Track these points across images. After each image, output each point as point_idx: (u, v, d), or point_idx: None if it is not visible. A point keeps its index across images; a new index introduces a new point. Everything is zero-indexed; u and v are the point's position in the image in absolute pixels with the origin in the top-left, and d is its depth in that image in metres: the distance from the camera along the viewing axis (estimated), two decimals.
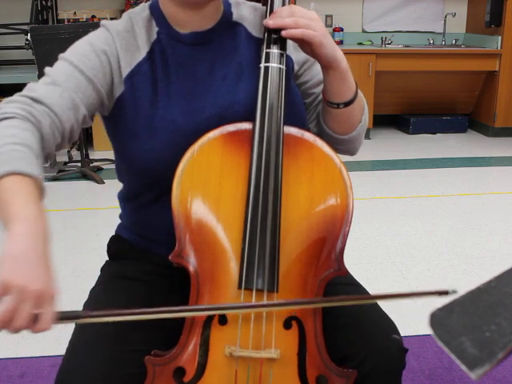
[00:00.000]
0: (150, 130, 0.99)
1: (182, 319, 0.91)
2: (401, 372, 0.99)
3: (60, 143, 0.93)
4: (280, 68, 0.97)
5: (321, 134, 1.08)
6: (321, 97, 1.09)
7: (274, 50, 0.97)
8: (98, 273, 1.13)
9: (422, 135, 5.07)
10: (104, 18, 4.54)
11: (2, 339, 1.99)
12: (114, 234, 1.19)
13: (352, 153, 1.14)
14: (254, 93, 0.97)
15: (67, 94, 0.92)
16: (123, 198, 1.14)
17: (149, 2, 1.06)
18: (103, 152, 4.21)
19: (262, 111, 0.95)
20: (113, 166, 1.18)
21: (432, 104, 5.21)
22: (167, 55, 1.02)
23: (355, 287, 1.09)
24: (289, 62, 1.05)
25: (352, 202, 0.95)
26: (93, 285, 1.10)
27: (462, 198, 3.45)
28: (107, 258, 1.18)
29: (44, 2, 4.48)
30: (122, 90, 1.00)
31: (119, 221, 1.19)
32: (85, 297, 1.06)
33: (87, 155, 4.02)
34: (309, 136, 0.99)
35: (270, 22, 0.96)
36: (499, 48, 4.78)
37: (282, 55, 0.98)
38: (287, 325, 0.90)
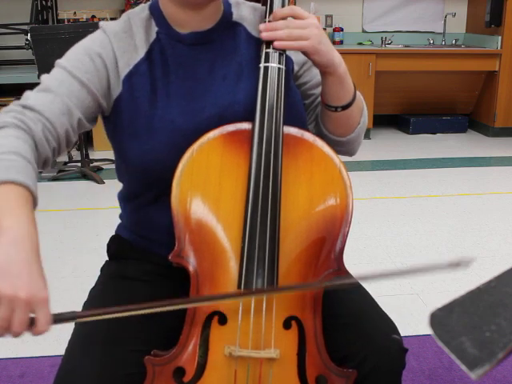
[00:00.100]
0: (150, 130, 0.99)
1: (182, 319, 0.91)
2: (401, 372, 0.99)
3: (56, 148, 0.94)
4: (279, 68, 0.97)
5: (319, 136, 1.08)
6: (320, 98, 1.09)
7: (274, 50, 0.97)
8: (98, 273, 1.13)
9: (421, 135, 5.07)
10: (104, 18, 4.55)
11: (1, 339, 1.99)
12: (114, 233, 1.19)
13: (351, 153, 1.14)
14: (254, 93, 0.97)
15: (59, 100, 0.94)
16: (123, 198, 1.14)
17: (148, 3, 1.06)
18: (103, 152, 4.21)
19: (261, 111, 0.95)
20: (113, 166, 1.18)
21: (432, 104, 5.21)
22: (167, 55, 1.02)
23: (355, 287, 1.09)
24: (288, 62, 1.05)
25: (352, 202, 0.95)
26: (93, 285, 1.10)
27: (462, 197, 3.45)
28: (107, 258, 1.18)
29: (44, 2, 4.49)
30: (120, 91, 1.00)
31: (119, 221, 1.19)
32: (85, 297, 1.06)
33: (87, 155, 4.02)
34: (308, 136, 0.99)
35: (264, 34, 0.96)
36: (499, 48, 4.78)
37: (281, 55, 0.98)
38: (287, 325, 0.90)
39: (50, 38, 3.43)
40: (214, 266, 0.90)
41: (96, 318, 0.82)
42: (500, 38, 4.76)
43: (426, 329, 1.96)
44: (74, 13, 4.62)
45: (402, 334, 1.00)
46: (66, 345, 0.96)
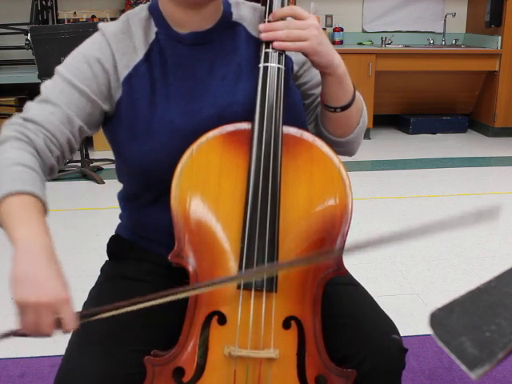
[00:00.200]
0: (149, 131, 0.99)
1: (182, 319, 0.91)
2: (400, 372, 0.99)
3: (60, 156, 0.97)
4: (279, 68, 0.97)
5: (319, 136, 1.08)
6: (319, 99, 1.09)
7: (273, 50, 0.97)
8: (98, 273, 1.13)
9: (421, 135, 5.07)
10: (104, 18, 4.55)
11: None
12: (113, 233, 1.19)
13: (350, 154, 1.14)
14: (253, 93, 0.97)
15: (59, 110, 0.95)
16: (123, 198, 1.14)
17: (148, 3, 1.06)
18: (103, 152, 4.21)
19: (260, 111, 0.95)
20: (113, 166, 1.18)
21: (432, 104, 5.21)
22: (166, 56, 1.02)
23: (355, 287, 1.09)
24: (288, 62, 1.05)
25: (351, 201, 0.95)
26: (93, 285, 1.10)
27: (462, 197, 3.45)
28: (107, 258, 1.18)
29: (44, 2, 4.49)
30: (121, 94, 1.00)
31: (119, 221, 1.19)
32: (85, 297, 1.06)
33: (87, 155, 4.02)
34: (308, 136, 0.99)
35: (263, 34, 0.96)
36: (499, 48, 4.78)
37: (281, 55, 0.98)
38: (286, 324, 0.90)
39: (50, 38, 3.43)
40: (213, 265, 0.90)
41: (120, 311, 0.82)
42: (500, 38, 4.76)
43: (426, 329, 1.96)
44: (74, 13, 4.62)
45: (402, 334, 1.00)
46: (66, 345, 0.96)
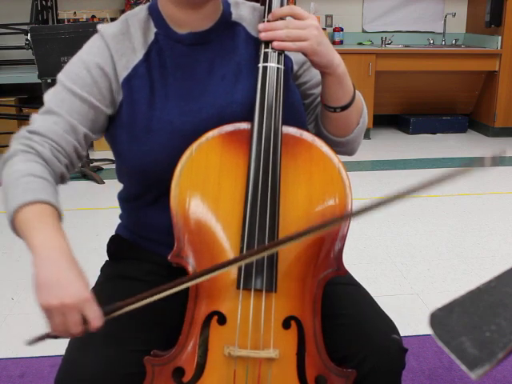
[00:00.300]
0: (148, 131, 0.99)
1: (182, 319, 0.91)
2: (400, 372, 0.99)
3: (68, 163, 0.99)
4: (278, 68, 0.97)
5: (319, 136, 1.08)
6: (319, 98, 1.09)
7: (273, 50, 0.97)
8: (98, 273, 1.13)
9: (421, 135, 5.07)
10: (104, 18, 4.55)
11: (1, 339, 1.99)
12: (114, 233, 1.19)
13: (350, 153, 1.14)
14: (253, 93, 0.97)
15: (62, 120, 0.97)
16: (123, 198, 1.14)
17: (147, 4, 1.06)
18: (103, 152, 4.21)
19: (260, 111, 0.95)
20: (113, 166, 1.19)
21: (432, 104, 5.21)
22: (165, 56, 1.02)
23: (355, 287, 1.09)
24: (287, 62, 1.05)
25: (351, 201, 0.95)
26: (93, 285, 1.10)
27: (462, 197, 3.45)
28: (107, 258, 1.18)
29: (44, 2, 4.48)
30: (122, 95, 1.00)
31: (119, 221, 1.19)
32: None
33: (87, 155, 4.01)
34: (307, 136, 0.99)
35: (263, 34, 0.96)
36: (499, 48, 4.78)
37: (280, 55, 0.98)
38: (286, 324, 0.90)
39: (50, 38, 3.43)
40: None
41: (142, 304, 0.83)
42: (500, 38, 4.76)
43: (426, 329, 1.96)
44: (74, 13, 4.62)
45: (402, 334, 1.00)
46: (66, 345, 0.96)
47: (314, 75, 1.10)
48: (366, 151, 4.45)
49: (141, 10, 1.05)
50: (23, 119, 4.46)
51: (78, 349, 0.93)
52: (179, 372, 0.89)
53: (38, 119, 0.98)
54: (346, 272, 1.00)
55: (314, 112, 1.13)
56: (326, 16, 5.09)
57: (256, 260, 0.88)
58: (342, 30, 5.04)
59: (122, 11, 4.69)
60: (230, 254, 0.90)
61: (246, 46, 1.05)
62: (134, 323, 0.96)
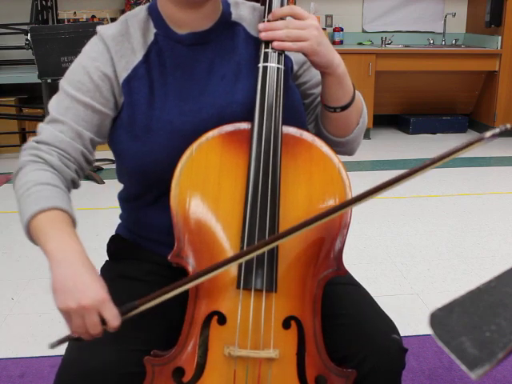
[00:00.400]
0: (148, 131, 0.99)
1: (182, 319, 0.91)
2: (400, 372, 0.99)
3: (78, 168, 1.01)
4: (278, 68, 0.97)
5: (319, 136, 1.08)
6: (319, 98, 1.09)
7: (273, 50, 0.97)
8: (98, 273, 1.13)
9: (421, 135, 5.07)
10: (104, 18, 4.55)
11: (1, 339, 1.99)
12: (114, 233, 1.19)
13: (350, 153, 1.14)
14: (252, 93, 0.97)
15: (67, 127, 0.99)
16: (123, 198, 1.14)
17: (147, 4, 1.06)
18: (103, 152, 4.20)
19: (260, 111, 0.95)
20: (113, 166, 1.19)
21: (432, 104, 5.21)
22: (165, 57, 1.02)
23: (355, 287, 1.09)
24: (287, 62, 1.05)
25: None
26: None
27: (462, 197, 3.45)
28: (107, 258, 1.18)
29: (44, 2, 4.48)
30: (123, 97, 1.00)
31: (119, 221, 1.19)
32: None
33: None
34: (307, 136, 0.99)
35: (263, 33, 0.96)
36: (499, 48, 4.78)
37: (280, 55, 0.98)
38: (286, 324, 0.90)
39: (50, 38, 3.43)
40: None
41: (156, 302, 0.85)
42: (500, 38, 4.76)
43: (426, 329, 1.96)
44: (74, 13, 4.62)
45: (402, 334, 1.00)
46: (66, 345, 0.96)
47: (314, 75, 1.10)
48: (366, 151, 4.45)
49: (140, 11, 1.05)
50: (23, 119, 4.46)
51: (79, 348, 0.93)
52: (179, 372, 0.89)
53: (44, 129, 1.00)
54: (346, 272, 1.00)
55: (314, 112, 1.13)
56: (326, 16, 5.09)
57: (256, 260, 0.88)
58: (342, 30, 5.04)
59: (122, 11, 4.69)
60: (230, 253, 0.90)
61: (246, 45, 1.05)
62: (133, 323, 0.95)
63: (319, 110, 1.10)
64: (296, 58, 1.07)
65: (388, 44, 5.00)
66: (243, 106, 1.00)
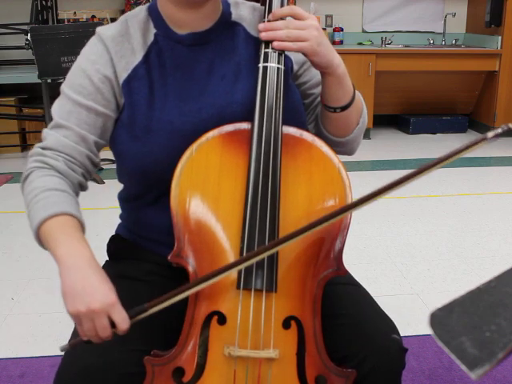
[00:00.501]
0: (148, 132, 0.99)
1: (182, 319, 0.91)
2: (400, 372, 0.99)
3: (84, 172, 1.02)
4: (278, 68, 0.97)
5: (319, 136, 1.08)
6: (319, 98, 1.09)
7: (273, 50, 0.97)
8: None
9: (421, 135, 5.07)
10: (104, 18, 4.55)
11: (1, 339, 1.99)
12: (113, 233, 1.19)
13: (350, 153, 1.14)
14: (252, 92, 0.97)
15: (71, 132, 0.99)
16: (123, 198, 1.14)
17: (147, 4, 1.06)
18: (103, 152, 4.18)
19: (260, 111, 0.95)
20: (113, 166, 1.19)
21: (432, 104, 5.21)
22: (165, 57, 1.02)
23: (355, 287, 1.09)
24: (287, 62, 1.05)
25: (351, 202, 0.95)
26: None
27: (462, 197, 3.45)
28: (107, 258, 1.18)
29: (44, 2, 4.48)
30: (124, 97, 1.00)
31: (119, 221, 1.19)
32: None
33: None
34: (307, 136, 0.99)
35: (263, 33, 0.96)
36: (499, 48, 4.78)
37: (280, 55, 0.98)
38: (286, 324, 0.90)
39: (50, 38, 3.43)
40: (213, 266, 0.90)
41: (165, 305, 0.85)
42: (500, 38, 4.76)
43: (426, 329, 1.96)
44: (74, 13, 4.62)
45: (402, 334, 1.00)
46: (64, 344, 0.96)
47: (314, 75, 1.10)
48: (366, 151, 4.45)
49: (140, 11, 1.05)
50: (23, 119, 4.46)
51: (78, 348, 0.93)
52: (179, 372, 0.89)
53: (48, 134, 1.00)
54: (346, 272, 1.00)
55: (314, 112, 1.13)
56: (326, 16, 5.09)
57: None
58: (342, 30, 5.04)
59: (122, 11, 4.69)
60: (230, 254, 0.90)
61: (246, 45, 1.05)
62: (134, 323, 0.95)
63: (319, 110, 1.10)
64: (296, 58, 1.07)
65: (388, 44, 5.01)
66: (243, 106, 1.00)
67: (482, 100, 5.13)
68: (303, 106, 1.11)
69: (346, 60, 1.01)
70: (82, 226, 0.94)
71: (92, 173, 1.05)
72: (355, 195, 0.95)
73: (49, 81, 3.59)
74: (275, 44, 0.95)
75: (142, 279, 1.07)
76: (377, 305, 1.04)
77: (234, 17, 1.07)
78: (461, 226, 3.02)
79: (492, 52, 4.81)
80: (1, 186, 3.65)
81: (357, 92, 1.06)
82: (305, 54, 0.97)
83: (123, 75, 1.00)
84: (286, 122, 0.96)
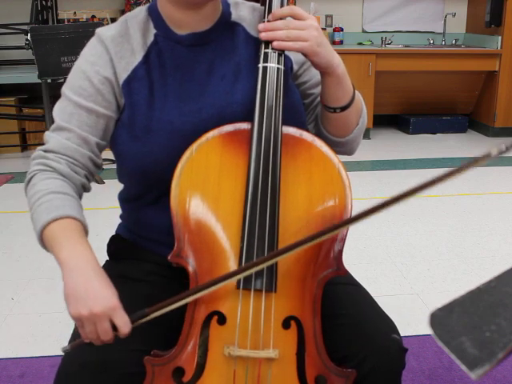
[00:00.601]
0: (148, 132, 0.99)
1: (182, 319, 0.91)
2: (400, 372, 0.99)
3: (87, 173, 1.03)
4: (278, 68, 0.97)
5: (319, 136, 1.08)
6: (319, 98, 1.09)
7: (273, 50, 0.97)
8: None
9: (421, 135, 5.07)
10: (104, 18, 4.55)
11: (1, 339, 1.99)
12: (114, 233, 1.19)
13: (349, 153, 1.14)
14: (252, 93, 0.97)
15: (73, 134, 1.00)
16: (123, 198, 1.14)
17: (147, 5, 1.06)
18: (103, 152, 4.21)
19: (260, 111, 0.95)
20: (113, 166, 1.19)
21: (432, 104, 5.21)
22: (165, 57, 1.02)
23: (355, 287, 1.09)
24: (287, 62, 1.05)
25: (351, 202, 0.95)
26: None
27: (462, 197, 3.45)
28: (107, 258, 1.18)
29: (44, 2, 4.48)
30: (124, 98, 1.00)
31: (119, 221, 1.19)
32: None
33: None
34: (307, 136, 0.99)
35: (263, 34, 0.96)
36: (499, 48, 4.78)
37: (280, 55, 0.98)
38: (286, 324, 0.90)
39: (50, 38, 3.43)
40: (213, 265, 0.90)
41: (166, 310, 0.86)
42: (500, 38, 4.76)
43: (426, 329, 1.96)
44: (74, 13, 4.62)
45: (402, 334, 1.00)
46: (65, 345, 0.96)
47: (314, 75, 1.10)
48: (366, 151, 4.45)
49: (140, 12, 1.05)
50: (23, 119, 4.46)
51: (78, 348, 0.93)
52: (179, 372, 0.89)
53: (50, 137, 1.01)
54: (346, 272, 1.00)
55: (314, 112, 1.13)
56: (326, 16, 5.09)
57: (256, 259, 0.88)
58: (341, 30, 5.04)
59: (122, 11, 4.69)
60: (230, 253, 0.90)
61: (246, 46, 1.05)
62: (135, 327, 0.96)
63: (319, 110, 1.10)
64: (296, 58, 1.07)
65: (388, 44, 5.01)
66: (243, 106, 1.00)
67: (481, 100, 5.13)
68: (303, 106, 1.11)
69: (346, 60, 1.01)
70: (85, 229, 0.94)
71: (94, 174, 1.06)
72: (355, 195, 0.95)
73: (49, 81, 3.60)
74: (275, 44, 0.95)
75: (142, 279, 1.07)
76: (377, 305, 1.04)
77: (233, 17, 1.07)
78: (461, 226, 3.02)
79: (492, 52, 4.81)
80: (1, 186, 3.65)
81: (356, 92, 1.06)
82: (304, 54, 0.97)
83: (123, 76, 1.00)
84: (285, 122, 0.96)
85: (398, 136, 5.09)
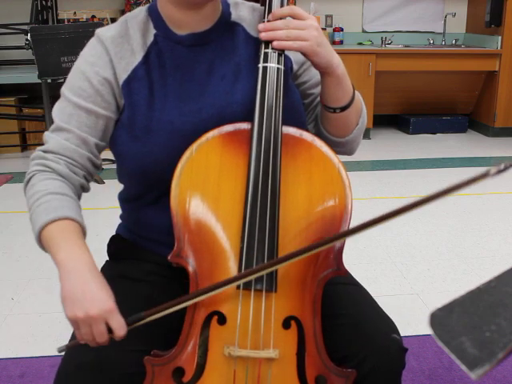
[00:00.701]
0: (148, 132, 0.99)
1: (182, 319, 0.91)
2: (400, 372, 0.99)
3: (86, 174, 1.03)
4: (278, 68, 0.97)
5: (319, 136, 1.08)
6: (319, 98, 1.09)
7: (273, 50, 0.97)
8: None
9: (421, 135, 5.07)
10: (104, 18, 4.55)
11: (1, 339, 1.99)
12: (114, 233, 1.19)
13: (349, 153, 1.14)
14: (252, 93, 0.97)
15: (72, 135, 1.00)
16: (123, 198, 1.14)
17: (147, 5, 1.06)
18: (103, 152, 4.21)
19: (260, 111, 0.95)
20: (113, 166, 1.19)
21: (432, 104, 5.21)
22: (165, 58, 1.02)
23: (355, 287, 1.09)
24: (287, 62, 1.05)
25: (351, 202, 0.95)
26: None
27: (462, 198, 3.45)
28: (107, 258, 1.18)
29: (44, 2, 4.48)
30: (124, 98, 1.00)
31: (119, 221, 1.19)
32: None
33: None
34: (307, 136, 0.99)
35: (263, 33, 0.96)
36: (499, 48, 4.78)
37: (280, 55, 0.98)
38: (286, 324, 0.90)
39: (50, 38, 3.43)
40: (213, 265, 0.90)
41: (162, 314, 0.86)
42: (500, 38, 4.76)
43: (426, 329, 1.96)
44: (74, 13, 4.62)
45: (402, 334, 1.00)
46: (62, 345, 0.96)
47: (314, 75, 1.10)
48: (366, 151, 4.45)
49: (140, 12, 1.05)
50: (23, 119, 4.46)
51: (78, 348, 0.93)
52: (179, 372, 0.89)
53: (50, 137, 1.01)
54: (346, 272, 1.00)
55: (314, 112, 1.13)
56: (326, 16, 5.09)
57: (256, 260, 0.88)
58: (341, 30, 5.04)
59: (122, 11, 4.69)
60: (230, 253, 0.90)
61: (246, 46, 1.05)
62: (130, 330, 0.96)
63: (319, 110, 1.10)
64: (296, 58, 1.07)
65: (388, 44, 5.01)
66: (243, 106, 1.00)
67: (481, 100, 5.13)
68: (303, 106, 1.11)
69: (346, 60, 1.01)
70: (83, 231, 0.94)
71: (93, 174, 1.06)
72: (355, 195, 0.95)
73: (49, 81, 3.60)
74: (275, 44, 0.95)
75: (142, 279, 1.07)
76: (377, 305, 1.05)
77: (233, 17, 1.07)
78: (461, 226, 3.02)
79: (492, 52, 4.81)
80: (1, 186, 3.65)
81: (356, 92, 1.06)
82: (304, 54, 0.97)
83: (123, 76, 1.00)
84: (285, 122, 0.96)
85: (397, 136, 5.09)
